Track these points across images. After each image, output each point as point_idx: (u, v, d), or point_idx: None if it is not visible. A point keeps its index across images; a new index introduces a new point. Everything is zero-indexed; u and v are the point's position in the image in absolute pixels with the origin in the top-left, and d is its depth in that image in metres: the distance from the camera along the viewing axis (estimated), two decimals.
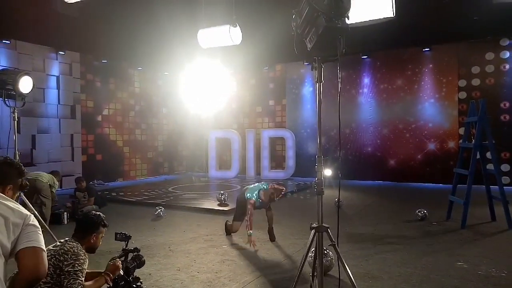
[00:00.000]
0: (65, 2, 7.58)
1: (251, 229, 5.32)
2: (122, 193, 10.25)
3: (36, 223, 2.08)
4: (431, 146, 11.54)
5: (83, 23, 10.23)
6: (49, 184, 6.73)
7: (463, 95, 11.06)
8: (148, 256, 4.87)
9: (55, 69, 11.21)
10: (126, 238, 3.27)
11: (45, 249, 2.05)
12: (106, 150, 12.80)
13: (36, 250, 1.99)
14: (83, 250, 2.84)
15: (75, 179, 8.25)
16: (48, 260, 2.30)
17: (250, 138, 13.65)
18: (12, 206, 2.05)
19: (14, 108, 5.40)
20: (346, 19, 2.53)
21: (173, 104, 14.78)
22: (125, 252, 3.24)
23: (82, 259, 2.74)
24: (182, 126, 15.43)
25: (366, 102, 12.48)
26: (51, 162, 10.74)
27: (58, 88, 11.26)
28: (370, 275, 4.23)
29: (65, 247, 2.76)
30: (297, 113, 13.65)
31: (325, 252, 4.04)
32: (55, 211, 7.14)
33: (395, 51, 11.88)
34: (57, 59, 11.25)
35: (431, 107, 11.59)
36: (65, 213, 7.17)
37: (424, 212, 6.86)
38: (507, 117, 10.48)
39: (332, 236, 2.84)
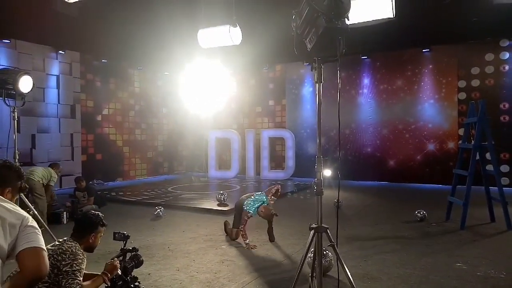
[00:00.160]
0: (65, 1, 7.59)
1: (247, 239, 5.41)
2: (122, 193, 10.25)
3: (35, 224, 2.08)
4: (431, 146, 11.54)
5: (83, 23, 10.22)
6: (42, 183, 6.60)
7: (462, 96, 11.07)
8: (148, 256, 4.88)
9: (55, 68, 11.20)
10: (124, 237, 3.27)
11: (45, 249, 2.05)
12: (106, 150, 12.80)
13: (37, 250, 1.99)
14: (81, 250, 2.84)
15: (74, 179, 8.26)
16: None
17: (250, 138, 13.66)
18: (10, 207, 2.05)
19: (14, 108, 5.40)
20: (346, 19, 2.54)
21: (173, 104, 14.78)
22: (123, 251, 3.24)
23: (80, 258, 2.74)
24: (182, 126, 15.43)
25: (366, 103, 12.48)
26: (51, 162, 10.70)
27: (58, 87, 11.26)
28: (369, 276, 4.23)
29: (63, 246, 2.76)
30: (297, 113, 13.66)
31: (324, 252, 4.04)
32: (54, 211, 7.15)
33: (395, 51, 11.88)
34: (57, 59, 11.25)
35: (430, 108, 11.60)
36: (65, 212, 7.17)
37: (423, 213, 6.86)
38: (507, 118, 10.48)
39: (331, 237, 2.84)
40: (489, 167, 6.90)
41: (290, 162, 13.13)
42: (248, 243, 5.37)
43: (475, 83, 10.88)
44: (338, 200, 4.38)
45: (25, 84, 5.27)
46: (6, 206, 2.05)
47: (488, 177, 6.70)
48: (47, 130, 10.91)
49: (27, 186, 2.51)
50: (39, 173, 6.67)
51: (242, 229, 5.47)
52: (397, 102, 12.04)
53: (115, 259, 3.10)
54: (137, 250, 3.32)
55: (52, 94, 11.11)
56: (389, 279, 4.14)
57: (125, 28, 11.00)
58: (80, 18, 9.92)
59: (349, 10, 2.54)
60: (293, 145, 13.15)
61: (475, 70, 10.86)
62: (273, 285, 4.13)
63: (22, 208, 2.17)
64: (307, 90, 13.42)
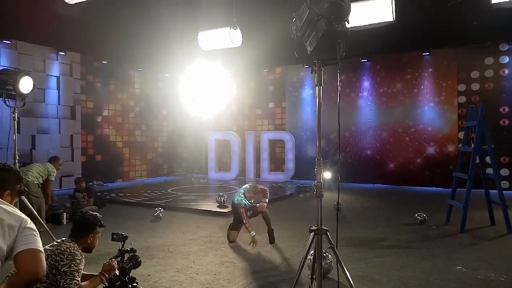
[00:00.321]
0: (66, 3, 7.59)
1: (252, 230, 5.44)
2: (122, 194, 10.25)
3: (33, 226, 2.08)
4: (431, 150, 11.55)
5: (83, 24, 10.24)
6: (37, 183, 6.52)
7: (462, 99, 11.08)
8: (147, 257, 4.88)
9: (55, 69, 11.22)
10: (122, 238, 3.29)
11: (43, 251, 2.05)
12: (105, 151, 12.80)
13: (35, 252, 1.99)
14: (80, 250, 2.85)
15: (74, 180, 8.26)
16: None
17: (250, 140, 13.66)
18: (9, 209, 2.06)
19: (14, 108, 5.40)
20: (346, 23, 2.55)
21: (173, 106, 14.78)
22: (121, 252, 3.25)
23: (78, 259, 2.75)
24: (182, 128, 15.44)
25: (366, 106, 12.49)
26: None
27: (58, 88, 11.27)
28: (369, 278, 4.23)
29: (62, 247, 2.76)
30: (297, 115, 13.67)
31: (324, 255, 4.04)
32: (54, 212, 7.15)
33: (395, 55, 11.90)
34: (57, 60, 11.27)
35: (430, 111, 11.61)
36: (65, 213, 7.17)
37: (423, 216, 6.86)
38: (507, 121, 10.49)
39: (331, 239, 2.85)
40: (489, 171, 6.89)
41: (290, 164, 13.12)
42: (254, 235, 5.40)
43: (475, 86, 10.90)
44: (338, 202, 4.35)
45: (26, 85, 5.28)
46: (5, 208, 2.06)
47: (488, 181, 6.69)
48: (47, 131, 10.92)
49: (26, 189, 2.52)
50: (34, 173, 6.54)
51: (246, 221, 5.53)
52: (397, 105, 12.05)
53: (113, 259, 3.10)
54: (135, 251, 3.33)
55: (52, 95, 11.12)
56: (389, 282, 4.14)
57: (126, 30, 11.03)
58: (80, 19, 9.93)
59: (349, 13, 2.55)
60: (293, 147, 13.15)
61: (475, 74, 10.88)
62: (272, 287, 4.12)
63: (21, 210, 2.17)
64: (307, 92, 13.44)
